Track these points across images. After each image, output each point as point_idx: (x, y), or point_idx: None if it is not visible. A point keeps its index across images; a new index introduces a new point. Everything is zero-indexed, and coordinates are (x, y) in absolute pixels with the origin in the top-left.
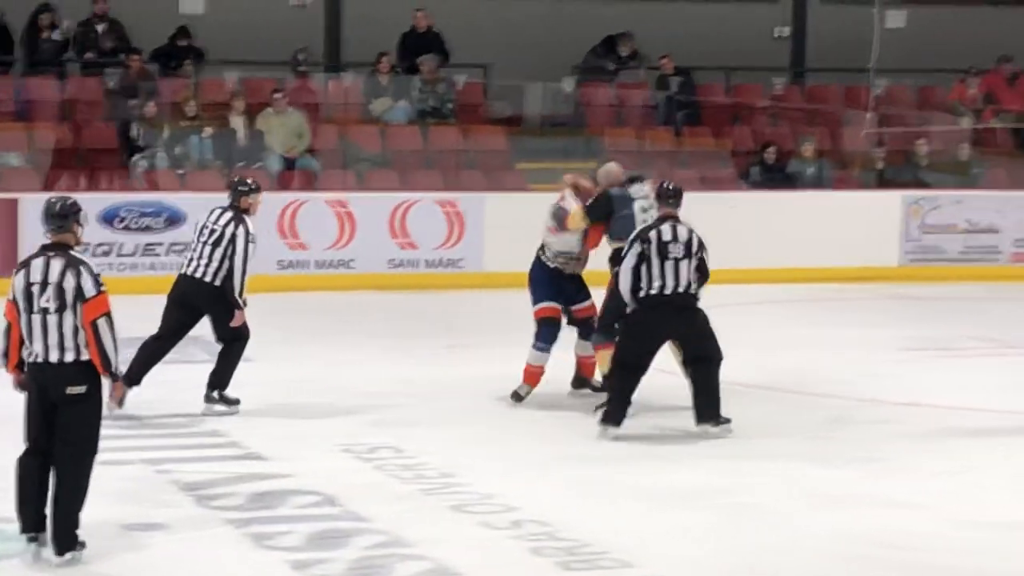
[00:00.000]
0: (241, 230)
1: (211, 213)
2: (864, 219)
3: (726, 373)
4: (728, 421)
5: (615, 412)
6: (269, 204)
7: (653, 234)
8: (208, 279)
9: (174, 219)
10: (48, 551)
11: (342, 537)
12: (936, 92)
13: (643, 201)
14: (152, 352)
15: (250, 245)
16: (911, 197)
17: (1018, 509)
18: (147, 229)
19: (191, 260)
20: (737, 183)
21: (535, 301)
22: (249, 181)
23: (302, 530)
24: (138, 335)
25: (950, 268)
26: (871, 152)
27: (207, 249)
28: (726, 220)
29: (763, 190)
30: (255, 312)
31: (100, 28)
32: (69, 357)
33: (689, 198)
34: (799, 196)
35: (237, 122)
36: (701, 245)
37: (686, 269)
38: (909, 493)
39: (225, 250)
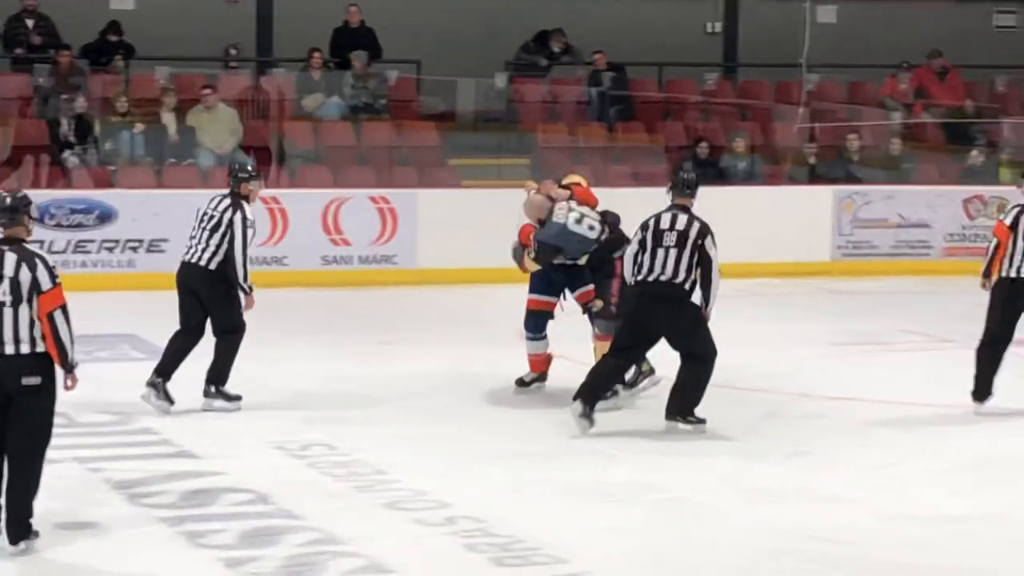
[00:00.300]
0: (239, 216)
1: (211, 200)
2: (796, 214)
3: (659, 368)
4: (702, 422)
5: (589, 392)
6: (201, 200)
7: (652, 221)
8: (203, 263)
9: (105, 216)
10: (2, 540)
11: (275, 535)
12: (867, 87)
13: (572, 214)
14: (178, 347)
15: (248, 231)
16: (843, 192)
17: (948, 503)
18: (79, 226)
19: (190, 247)
20: (669, 179)
21: (528, 291)
22: (249, 167)
23: (235, 528)
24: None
25: (882, 263)
26: (803, 147)
27: (205, 235)
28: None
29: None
30: None
31: (29, 23)
32: (25, 349)
33: (622, 194)
34: (731, 191)
35: (168, 118)
36: (701, 234)
37: (674, 258)
38: (841, 487)
39: (223, 236)
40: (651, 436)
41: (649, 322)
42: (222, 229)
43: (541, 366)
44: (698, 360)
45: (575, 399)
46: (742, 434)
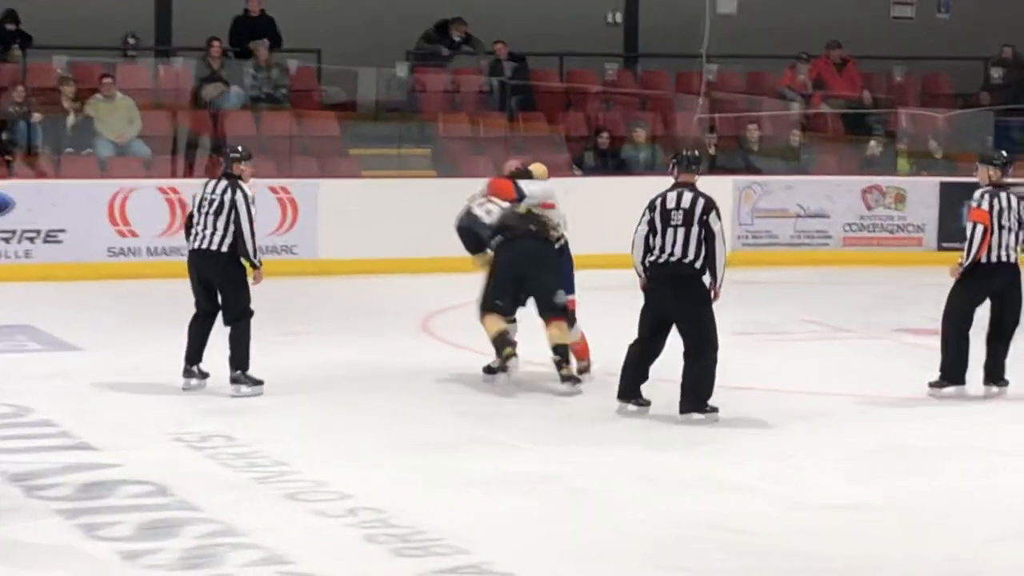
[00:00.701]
0: (240, 195)
1: (206, 185)
2: None
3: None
4: (716, 410)
5: (625, 387)
6: (100, 191)
7: (659, 201)
8: (215, 248)
9: (2, 206)
10: None
11: (173, 527)
12: (766, 78)
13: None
14: (197, 332)
15: (252, 207)
16: (743, 182)
17: (847, 491)
18: None
19: (196, 235)
20: (571, 168)
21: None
22: (240, 148)
23: (133, 520)
24: None
25: (781, 253)
26: (703, 137)
27: (210, 220)
28: (560, 205)
29: (597, 175)
30: (85, 300)
31: None
32: None
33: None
34: (632, 181)
35: (67, 108)
36: (706, 209)
37: (683, 236)
38: (741, 476)
39: (228, 217)
40: (551, 427)
41: (661, 306)
42: (225, 210)
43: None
44: (699, 353)
45: (620, 400)
46: (644, 424)
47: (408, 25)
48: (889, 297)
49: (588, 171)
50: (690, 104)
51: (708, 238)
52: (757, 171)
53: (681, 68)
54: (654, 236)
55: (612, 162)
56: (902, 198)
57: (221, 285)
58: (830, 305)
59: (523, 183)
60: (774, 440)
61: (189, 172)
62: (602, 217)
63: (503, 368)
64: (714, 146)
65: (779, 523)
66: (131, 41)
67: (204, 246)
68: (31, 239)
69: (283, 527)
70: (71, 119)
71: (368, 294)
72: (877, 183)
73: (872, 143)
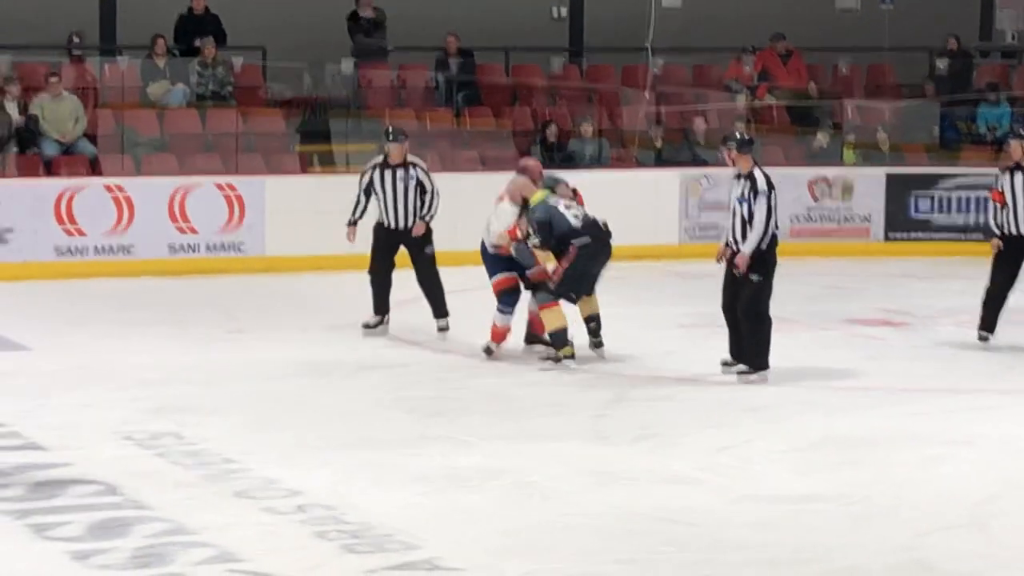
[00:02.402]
0: (416, 171)
1: (376, 170)
2: (643, 197)
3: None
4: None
5: (764, 360)
6: (46, 190)
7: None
8: (405, 224)
9: None
10: None
11: (124, 526)
12: (712, 70)
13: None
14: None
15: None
16: (689, 175)
17: (792, 483)
18: None
19: (388, 212)
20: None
21: (491, 276)
22: (389, 129)
23: (83, 520)
24: None
25: None
26: (649, 130)
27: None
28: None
29: (544, 170)
30: (32, 299)
31: None
32: None
33: (470, 179)
34: (578, 175)
35: (11, 107)
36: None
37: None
38: (688, 468)
39: (418, 194)
40: (499, 422)
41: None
42: (418, 189)
43: (503, 337)
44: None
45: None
46: (590, 417)
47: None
48: (836, 288)
49: None
50: (636, 98)
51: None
52: (704, 163)
53: (627, 62)
54: (775, 217)
55: (559, 156)
56: (849, 189)
57: (413, 252)
58: (777, 296)
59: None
60: (721, 432)
61: (136, 170)
62: None
63: (556, 359)
64: (660, 139)
65: (726, 515)
66: (76, 40)
67: (398, 225)
68: None
69: (233, 525)
70: (16, 118)
71: (316, 291)
72: (824, 175)
73: (819, 135)
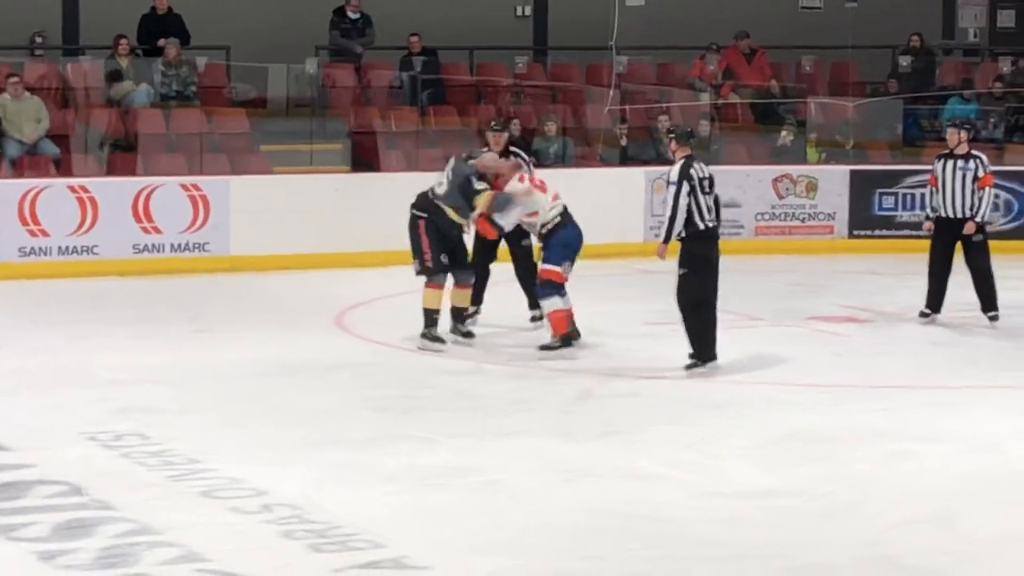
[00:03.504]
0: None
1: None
2: (608, 196)
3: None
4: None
5: (704, 351)
6: (9, 190)
7: (694, 172)
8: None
9: None
10: None
11: (89, 526)
12: (676, 68)
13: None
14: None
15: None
16: (654, 173)
17: (758, 478)
18: None
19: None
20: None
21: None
22: (493, 122)
23: (48, 520)
24: None
25: None
26: (614, 129)
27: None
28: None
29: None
30: None
31: None
32: None
33: (435, 178)
34: (543, 174)
35: None
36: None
37: (714, 201)
38: (654, 465)
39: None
40: (466, 420)
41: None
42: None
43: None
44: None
45: (709, 362)
46: (556, 414)
47: (317, 21)
48: (801, 285)
49: None
50: (600, 96)
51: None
52: (669, 162)
53: (591, 60)
54: (697, 203)
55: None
56: (813, 187)
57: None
58: (742, 293)
59: None
60: (686, 428)
61: (99, 170)
62: None
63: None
64: (625, 137)
65: (692, 511)
66: (38, 40)
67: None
68: None
69: (199, 524)
70: None
71: (281, 290)
72: (788, 172)
73: (783, 132)
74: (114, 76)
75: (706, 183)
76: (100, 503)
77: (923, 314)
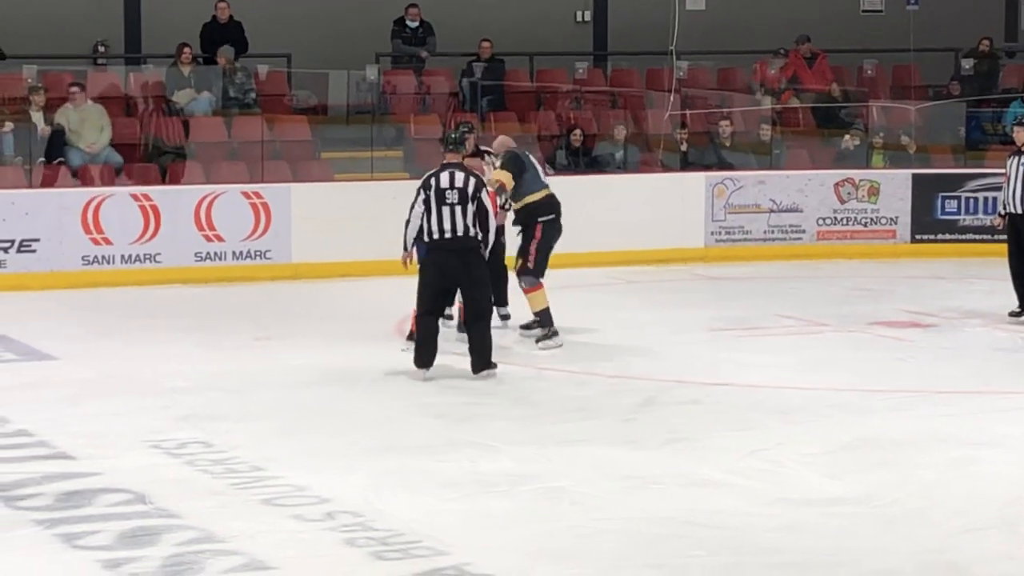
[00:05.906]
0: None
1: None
2: (669, 201)
3: (534, 357)
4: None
5: (422, 356)
6: (72, 199)
7: (433, 181)
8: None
9: None
10: None
11: (153, 534)
12: (737, 73)
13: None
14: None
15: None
16: (715, 178)
17: (825, 486)
18: None
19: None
20: (544, 168)
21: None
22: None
23: (112, 529)
24: None
25: (755, 248)
26: (674, 134)
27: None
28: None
29: (569, 174)
30: (60, 309)
31: None
32: None
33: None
34: (605, 179)
35: (37, 117)
36: (479, 188)
37: (461, 214)
38: (718, 472)
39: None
40: (528, 426)
41: (450, 274)
42: None
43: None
44: (482, 316)
45: (424, 368)
46: (619, 422)
47: (376, 29)
48: (863, 290)
49: (560, 170)
50: (661, 101)
51: (479, 212)
52: (729, 166)
53: (651, 65)
54: (429, 214)
55: (584, 160)
56: (875, 191)
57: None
58: (804, 299)
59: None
60: (750, 435)
61: (161, 179)
62: (577, 216)
63: (553, 334)
64: (685, 142)
65: (756, 518)
66: (101, 49)
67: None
68: (5, 249)
69: (262, 532)
70: (41, 128)
71: (342, 297)
72: (850, 176)
73: (847, 136)
74: (176, 84)
75: (451, 193)
76: (164, 511)
77: (1013, 313)
